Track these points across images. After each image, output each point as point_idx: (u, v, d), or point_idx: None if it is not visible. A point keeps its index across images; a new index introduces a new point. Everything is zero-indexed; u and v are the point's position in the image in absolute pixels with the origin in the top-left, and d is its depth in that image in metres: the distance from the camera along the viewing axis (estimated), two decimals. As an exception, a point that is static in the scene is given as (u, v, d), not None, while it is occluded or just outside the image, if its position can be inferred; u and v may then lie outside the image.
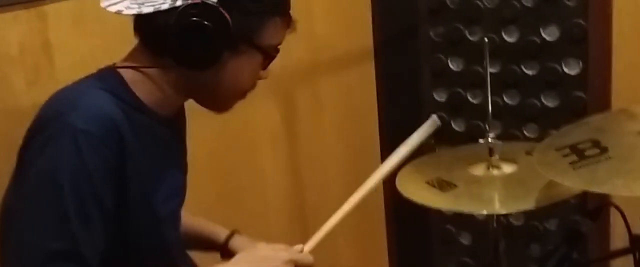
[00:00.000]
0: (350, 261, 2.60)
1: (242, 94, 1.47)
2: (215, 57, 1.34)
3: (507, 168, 1.82)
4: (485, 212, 1.85)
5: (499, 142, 1.83)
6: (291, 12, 1.46)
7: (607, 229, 2.28)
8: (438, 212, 2.60)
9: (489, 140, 1.83)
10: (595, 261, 2.37)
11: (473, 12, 2.51)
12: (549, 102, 2.47)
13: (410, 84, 2.67)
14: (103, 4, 1.35)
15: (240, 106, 2.15)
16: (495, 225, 1.86)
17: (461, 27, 2.55)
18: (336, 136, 2.50)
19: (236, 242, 1.69)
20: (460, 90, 2.61)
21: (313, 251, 1.56)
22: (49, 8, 1.72)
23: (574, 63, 2.40)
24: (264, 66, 1.45)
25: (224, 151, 2.17)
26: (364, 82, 2.59)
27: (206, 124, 2.09)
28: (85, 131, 1.26)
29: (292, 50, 2.31)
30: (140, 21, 1.37)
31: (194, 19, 1.30)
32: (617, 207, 1.73)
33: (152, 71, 1.38)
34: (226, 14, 1.31)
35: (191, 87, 1.42)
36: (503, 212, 1.84)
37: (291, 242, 2.34)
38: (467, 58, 2.57)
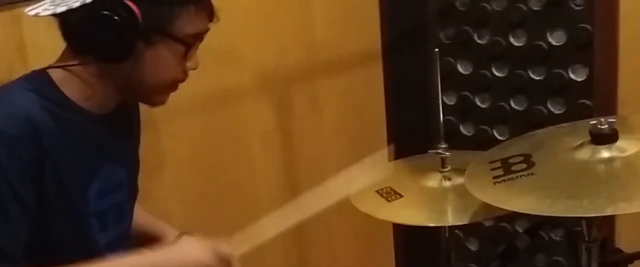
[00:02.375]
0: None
1: (169, 85, 1.50)
2: (128, 48, 1.38)
3: (460, 179, 1.78)
4: (420, 223, 1.80)
5: (448, 154, 1.84)
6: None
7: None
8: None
9: (439, 151, 1.84)
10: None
11: (481, 15, 2.47)
12: (556, 108, 2.42)
13: (419, 87, 2.64)
14: (26, 10, 1.41)
15: (229, 104, 2.23)
16: (446, 235, 1.84)
17: (470, 30, 2.51)
18: (337, 137, 2.49)
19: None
20: (468, 94, 2.58)
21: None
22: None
23: (580, 69, 2.34)
24: (186, 56, 1.47)
25: (210, 148, 2.20)
26: (369, 84, 2.58)
27: (191, 121, 2.15)
28: (1, 131, 1.33)
29: (288, 50, 2.34)
30: (58, 21, 1.42)
31: (103, 12, 1.35)
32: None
33: (77, 69, 1.43)
34: (134, 6, 1.35)
35: (117, 82, 1.46)
36: (443, 223, 1.82)
37: (285, 242, 2.39)
38: (475, 61, 2.54)
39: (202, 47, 2.11)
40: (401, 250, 2.76)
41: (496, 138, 2.54)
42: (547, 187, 1.48)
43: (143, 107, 1.75)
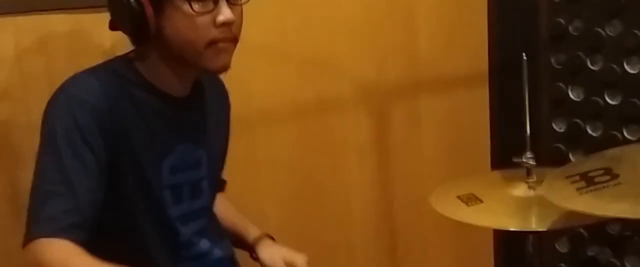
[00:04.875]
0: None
1: (209, 45, 1.52)
2: (145, 25, 1.48)
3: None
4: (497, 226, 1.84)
5: (533, 164, 1.84)
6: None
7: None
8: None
9: (525, 160, 1.84)
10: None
11: (595, 40, 2.40)
12: (668, 140, 2.31)
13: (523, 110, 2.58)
14: None
15: (327, 114, 2.27)
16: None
17: (582, 55, 2.45)
18: (436, 156, 2.47)
19: (263, 246, 1.79)
20: (579, 121, 2.50)
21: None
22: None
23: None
24: (203, 11, 1.50)
25: (306, 155, 2.25)
26: (474, 105, 2.55)
27: (288, 128, 2.22)
28: (77, 96, 1.48)
29: (390, 64, 2.36)
30: None
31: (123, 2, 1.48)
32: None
33: (143, 54, 1.57)
34: None
35: (169, 57, 1.55)
36: (524, 228, 1.79)
37: (378, 253, 2.39)
38: (587, 88, 2.47)
39: (302, 57, 2.21)
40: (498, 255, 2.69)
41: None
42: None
43: (241, 109, 1.85)
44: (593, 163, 1.71)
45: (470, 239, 2.54)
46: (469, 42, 2.50)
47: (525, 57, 1.91)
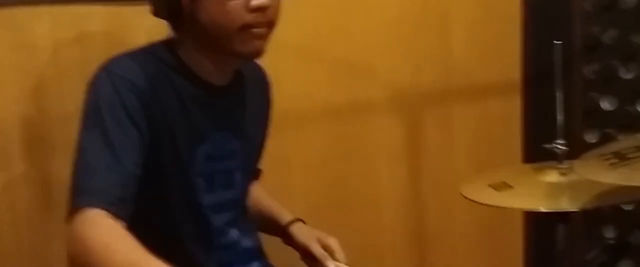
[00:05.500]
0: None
1: (242, 30, 1.52)
2: (179, 10, 1.51)
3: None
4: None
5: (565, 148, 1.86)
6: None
7: None
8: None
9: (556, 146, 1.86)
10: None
11: (628, 49, 2.39)
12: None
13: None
14: None
15: (359, 117, 2.26)
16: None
17: (616, 64, 2.43)
18: (466, 162, 2.46)
19: (296, 228, 1.80)
20: (611, 131, 2.48)
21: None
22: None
23: None
24: None
25: (337, 158, 2.26)
26: (506, 113, 2.54)
27: (320, 129, 2.22)
28: (119, 74, 1.51)
29: (423, 69, 2.36)
30: None
31: None
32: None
33: (180, 40, 1.59)
34: None
35: (204, 43, 1.56)
36: (555, 209, 1.79)
37: (407, 259, 2.36)
38: (620, 97, 2.45)
39: (336, 61, 2.21)
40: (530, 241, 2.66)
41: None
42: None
43: (276, 110, 1.85)
44: (626, 143, 1.71)
45: (500, 245, 2.53)
46: (502, 50, 2.50)
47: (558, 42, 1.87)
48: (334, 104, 2.23)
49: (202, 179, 1.60)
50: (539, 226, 2.50)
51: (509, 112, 2.54)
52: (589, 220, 2.50)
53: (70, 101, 1.74)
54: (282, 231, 1.80)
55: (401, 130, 2.35)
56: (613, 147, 1.71)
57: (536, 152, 2.59)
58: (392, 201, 2.36)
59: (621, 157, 1.58)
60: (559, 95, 1.97)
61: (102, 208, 1.40)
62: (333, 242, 1.74)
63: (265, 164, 1.88)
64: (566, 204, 1.77)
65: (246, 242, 1.72)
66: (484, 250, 2.50)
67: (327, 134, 2.23)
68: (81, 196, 1.43)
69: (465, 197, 1.81)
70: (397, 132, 2.35)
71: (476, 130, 2.49)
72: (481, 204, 1.79)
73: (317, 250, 1.73)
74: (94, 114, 1.48)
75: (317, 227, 2.14)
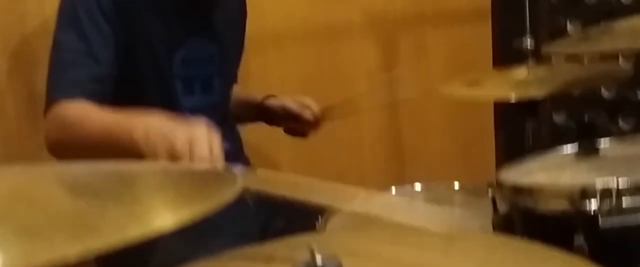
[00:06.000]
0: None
1: None
2: None
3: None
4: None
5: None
6: None
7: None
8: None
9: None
10: None
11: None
12: None
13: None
14: None
15: (336, 40, 2.35)
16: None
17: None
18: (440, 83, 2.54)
19: (272, 99, 1.87)
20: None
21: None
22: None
23: None
24: None
25: (316, 79, 2.33)
26: (477, 39, 2.63)
27: (299, 51, 2.29)
28: None
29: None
30: None
31: None
32: None
33: None
34: None
35: None
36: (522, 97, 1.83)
37: (385, 180, 2.44)
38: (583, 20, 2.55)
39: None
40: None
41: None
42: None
43: (255, 27, 1.91)
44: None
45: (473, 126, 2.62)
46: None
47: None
48: (312, 26, 2.31)
49: (180, 82, 1.65)
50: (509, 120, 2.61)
51: (480, 38, 2.64)
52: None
53: (49, 7, 1.75)
54: (259, 108, 1.87)
55: (377, 53, 2.43)
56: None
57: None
58: (370, 121, 2.44)
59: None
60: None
61: (78, 99, 1.46)
62: (308, 100, 1.80)
63: (243, 82, 1.94)
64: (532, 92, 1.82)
65: (226, 146, 1.75)
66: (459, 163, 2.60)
67: (305, 56, 2.31)
68: (57, 89, 1.49)
69: (441, 93, 1.89)
70: (374, 55, 2.43)
71: (448, 55, 2.57)
72: (456, 98, 1.89)
73: (294, 105, 1.80)
74: (69, 12, 1.54)
75: (300, 143, 2.23)
